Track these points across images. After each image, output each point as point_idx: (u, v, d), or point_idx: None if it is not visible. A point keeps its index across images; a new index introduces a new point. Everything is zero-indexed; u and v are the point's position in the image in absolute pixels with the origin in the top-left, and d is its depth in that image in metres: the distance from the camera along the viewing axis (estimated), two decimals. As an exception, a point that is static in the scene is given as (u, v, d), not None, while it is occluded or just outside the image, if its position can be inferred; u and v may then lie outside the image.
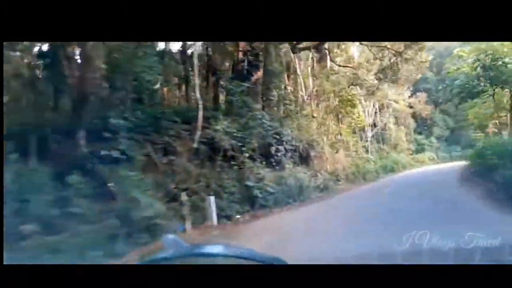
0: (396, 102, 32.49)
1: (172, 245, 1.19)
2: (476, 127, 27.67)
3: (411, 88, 33.28)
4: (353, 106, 24.76)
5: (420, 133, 36.70)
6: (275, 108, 17.21)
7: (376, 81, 21.93)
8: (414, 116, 36.33)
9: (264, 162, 14.16)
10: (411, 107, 33.65)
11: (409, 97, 33.74)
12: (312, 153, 17.66)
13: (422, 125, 37.56)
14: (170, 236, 1.26)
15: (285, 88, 20.83)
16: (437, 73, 39.29)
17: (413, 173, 23.66)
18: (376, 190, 14.07)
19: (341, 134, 23.74)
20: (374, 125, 34.18)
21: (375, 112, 33.33)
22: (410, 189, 12.46)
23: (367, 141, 31.47)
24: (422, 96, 33.96)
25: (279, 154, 14.68)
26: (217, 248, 1.09)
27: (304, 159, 17.02)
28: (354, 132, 32.87)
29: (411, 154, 34.00)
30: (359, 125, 26.64)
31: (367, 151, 30.26)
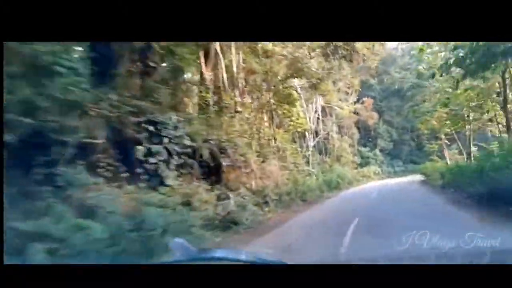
0: (340, 108, 28.32)
1: (179, 249, 1.23)
2: (429, 137, 24.26)
3: (356, 94, 29.59)
4: (292, 103, 19.37)
5: (364, 145, 33.15)
6: (166, 89, 10.56)
7: (320, 71, 16.78)
8: (357, 126, 32.74)
9: (120, 174, 7.39)
10: (356, 113, 29.71)
11: (355, 102, 29.84)
12: (226, 162, 11.28)
13: (366, 136, 34.22)
14: (178, 240, 1.28)
15: (199, 67, 14.53)
16: (380, 82, 36.75)
17: (365, 191, 18.56)
18: (324, 226, 7.93)
19: (275, 139, 18.05)
20: (316, 133, 29.63)
21: (318, 118, 28.82)
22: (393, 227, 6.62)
23: (308, 151, 26.63)
24: (369, 101, 30.37)
25: (154, 159, 7.99)
26: (224, 252, 1.25)
27: (211, 170, 10.56)
28: (294, 141, 27.93)
29: (356, 168, 29.94)
30: (299, 129, 21.22)
31: (308, 163, 25.30)
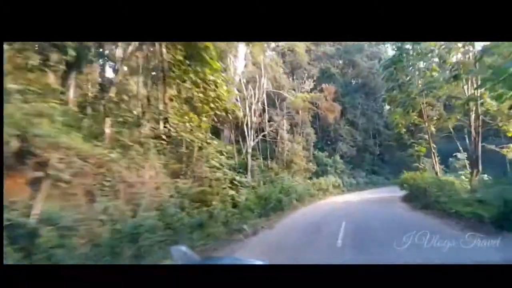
0: (292, 95, 20.90)
1: (181, 256, 1.28)
2: (409, 136, 17.46)
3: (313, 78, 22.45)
4: (208, 65, 11.34)
5: (321, 149, 26.09)
6: None
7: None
8: (314, 125, 25.67)
9: None
10: (313, 104, 22.42)
11: (311, 90, 22.52)
12: None
13: (325, 138, 27.27)
14: (180, 248, 1.32)
15: None
16: (343, 74, 30.37)
17: (324, 219, 10.33)
18: None
19: (167, 121, 9.85)
20: (262, 130, 22.06)
21: (263, 108, 21.24)
22: None
23: (247, 152, 19.09)
24: (329, 89, 23.24)
25: None
26: (227, 260, 1.48)
27: None
28: (235, 141, 20.25)
29: (310, 178, 22.64)
30: (218, 111, 13.08)
31: (245, 169, 17.81)
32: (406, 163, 39.15)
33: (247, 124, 20.05)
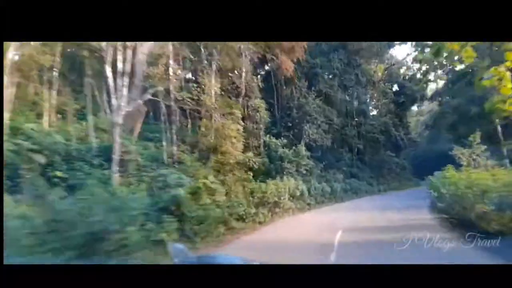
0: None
1: (178, 255, 1.26)
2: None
3: None
4: None
5: (277, 135, 16.03)
6: None
7: None
8: (263, 96, 15.61)
9: None
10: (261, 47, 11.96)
11: None
12: None
13: (284, 117, 17.22)
14: (178, 246, 1.31)
15: None
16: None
17: None
18: None
19: None
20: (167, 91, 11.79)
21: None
22: None
23: (111, 124, 8.79)
24: None
25: None
26: (222, 259, 1.28)
27: None
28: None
29: (255, 179, 12.42)
30: None
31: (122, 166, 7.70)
32: (389, 163, 30.15)
33: (114, 66, 9.72)
